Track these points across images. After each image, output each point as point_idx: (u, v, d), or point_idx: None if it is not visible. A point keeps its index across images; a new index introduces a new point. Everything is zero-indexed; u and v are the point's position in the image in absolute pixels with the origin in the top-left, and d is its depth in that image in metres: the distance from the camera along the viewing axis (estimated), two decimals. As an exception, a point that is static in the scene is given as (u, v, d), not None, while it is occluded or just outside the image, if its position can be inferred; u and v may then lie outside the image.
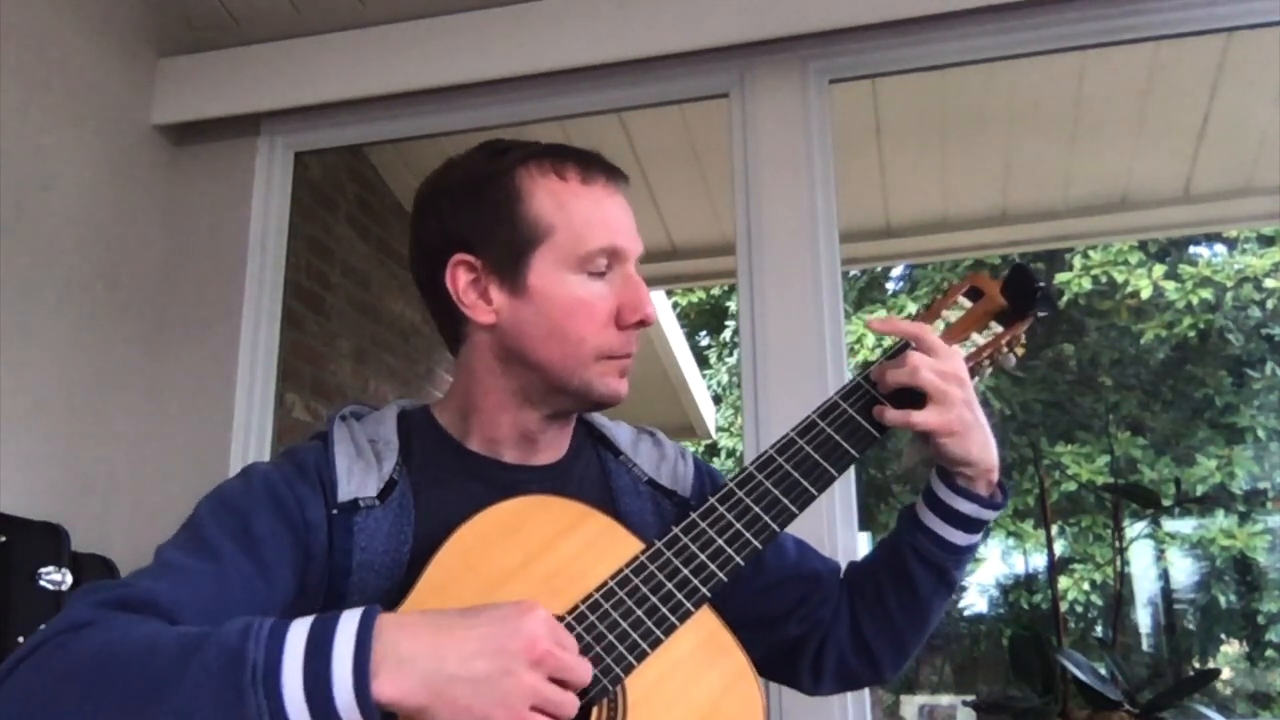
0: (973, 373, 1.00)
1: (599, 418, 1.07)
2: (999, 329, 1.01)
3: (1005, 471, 0.99)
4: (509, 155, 0.95)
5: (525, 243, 0.92)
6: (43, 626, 0.72)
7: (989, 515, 0.96)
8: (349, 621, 0.68)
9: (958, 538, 0.96)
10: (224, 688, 0.65)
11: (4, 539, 1.68)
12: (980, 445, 0.93)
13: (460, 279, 0.93)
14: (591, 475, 1.02)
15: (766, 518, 0.88)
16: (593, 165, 0.96)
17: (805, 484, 0.90)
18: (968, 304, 1.02)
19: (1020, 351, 1.04)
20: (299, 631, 0.68)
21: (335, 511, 0.87)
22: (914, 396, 0.91)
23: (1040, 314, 1.01)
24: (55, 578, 1.71)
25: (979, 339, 1.00)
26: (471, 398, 0.97)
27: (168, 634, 0.70)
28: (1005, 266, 1.10)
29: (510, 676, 0.69)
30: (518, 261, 0.92)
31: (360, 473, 0.90)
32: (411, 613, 0.72)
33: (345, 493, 0.88)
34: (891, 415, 0.92)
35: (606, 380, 0.93)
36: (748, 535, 0.87)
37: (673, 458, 1.07)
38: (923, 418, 0.90)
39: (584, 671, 0.73)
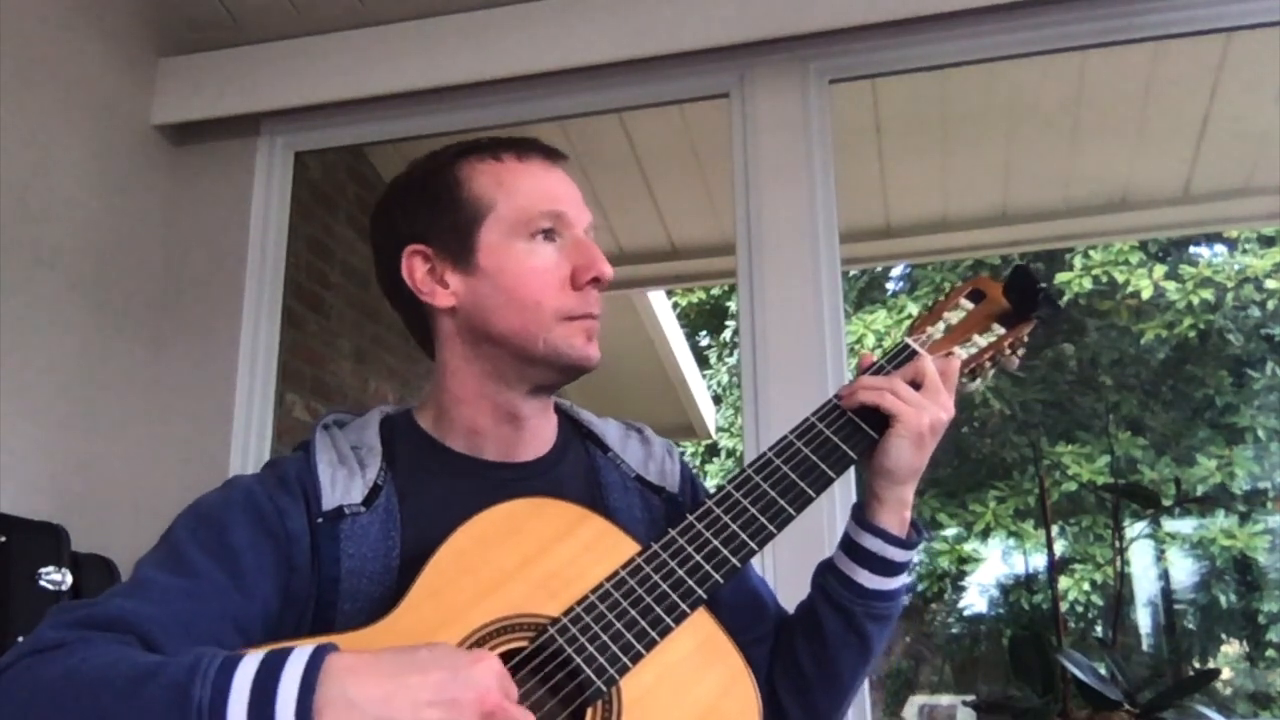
0: (975, 374, 1.00)
1: (587, 414, 1.08)
2: (1001, 330, 1.01)
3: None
4: (446, 153, 1.00)
5: (470, 221, 0.95)
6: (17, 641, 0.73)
7: (894, 554, 0.93)
8: (296, 662, 0.68)
9: (863, 577, 0.94)
10: None
11: (4, 539, 1.68)
12: (917, 459, 0.92)
13: (416, 270, 0.96)
14: (579, 471, 1.01)
15: (764, 519, 0.88)
16: (528, 145, 0.99)
17: (803, 485, 0.89)
18: (970, 306, 1.02)
19: (1019, 352, 1.04)
20: (246, 670, 0.67)
21: (320, 521, 0.87)
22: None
23: (1042, 316, 1.01)
24: (55, 578, 1.71)
25: (981, 341, 1.00)
26: (449, 391, 0.97)
27: (123, 664, 0.69)
28: (1005, 267, 1.10)
29: None
30: (465, 240, 0.95)
31: (344, 480, 0.90)
32: (364, 653, 0.70)
33: (329, 501, 0.88)
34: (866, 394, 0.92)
35: (573, 342, 0.94)
36: (744, 537, 0.87)
37: (660, 455, 1.08)
38: (902, 403, 0.90)
39: None
